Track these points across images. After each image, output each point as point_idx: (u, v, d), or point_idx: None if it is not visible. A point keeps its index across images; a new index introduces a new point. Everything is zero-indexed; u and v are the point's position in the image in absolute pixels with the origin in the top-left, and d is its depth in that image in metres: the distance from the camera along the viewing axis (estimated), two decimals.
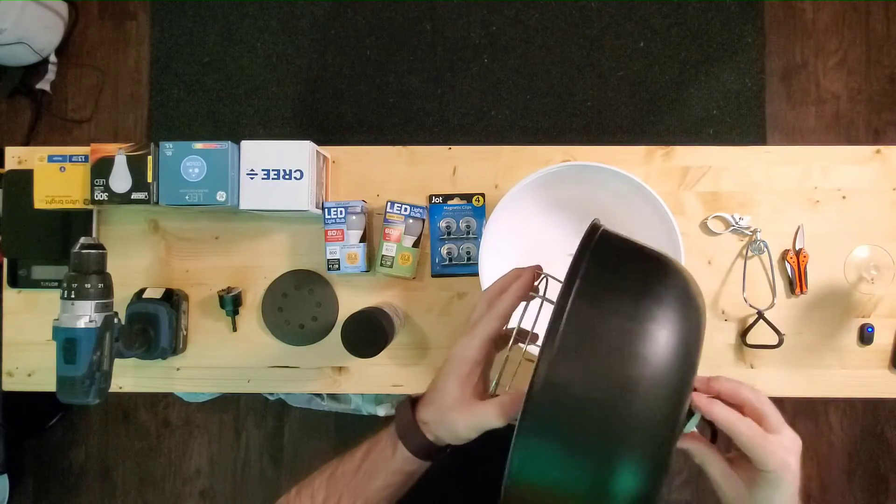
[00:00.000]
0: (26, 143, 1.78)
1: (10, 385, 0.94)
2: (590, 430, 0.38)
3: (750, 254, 0.91)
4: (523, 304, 0.56)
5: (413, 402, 0.57)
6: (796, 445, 0.49)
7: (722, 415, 0.48)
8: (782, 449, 0.48)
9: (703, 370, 0.89)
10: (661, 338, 0.40)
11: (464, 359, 0.53)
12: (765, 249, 0.91)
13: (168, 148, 0.84)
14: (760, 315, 0.89)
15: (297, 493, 0.63)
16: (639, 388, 0.39)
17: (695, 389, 0.48)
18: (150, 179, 0.84)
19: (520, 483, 0.40)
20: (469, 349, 0.52)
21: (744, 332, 0.90)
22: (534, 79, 1.75)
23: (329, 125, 1.77)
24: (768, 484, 0.49)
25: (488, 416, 0.50)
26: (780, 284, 0.91)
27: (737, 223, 0.90)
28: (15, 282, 0.93)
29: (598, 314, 0.41)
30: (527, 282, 0.54)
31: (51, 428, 1.75)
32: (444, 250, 0.92)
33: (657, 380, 0.39)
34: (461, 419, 0.52)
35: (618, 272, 0.44)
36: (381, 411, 1.21)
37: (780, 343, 0.88)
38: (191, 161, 0.84)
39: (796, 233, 0.91)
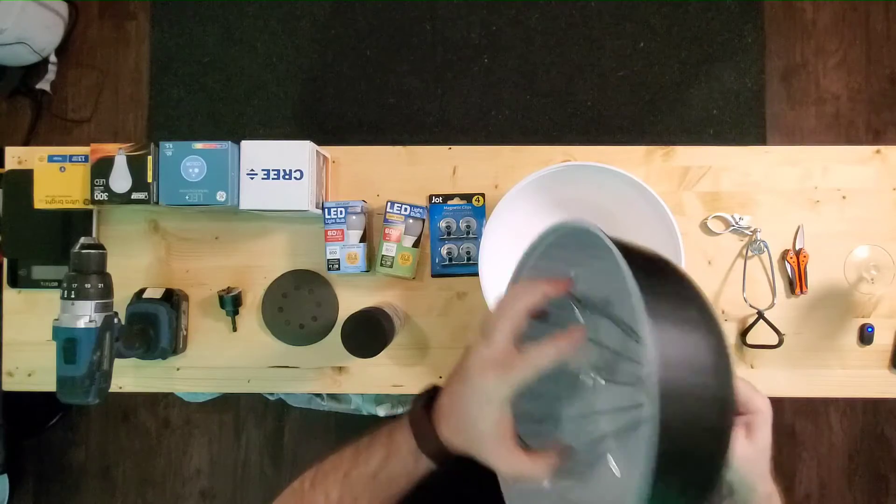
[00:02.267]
0: (26, 143, 1.78)
1: (10, 385, 0.94)
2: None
3: (750, 254, 0.91)
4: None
5: (426, 407, 0.54)
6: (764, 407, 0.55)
7: None
8: (758, 393, 0.55)
9: None
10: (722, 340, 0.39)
11: (499, 400, 0.48)
12: (765, 249, 0.91)
13: (168, 148, 0.84)
14: (760, 315, 0.89)
15: (312, 488, 0.60)
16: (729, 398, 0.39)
17: None
18: (150, 179, 0.84)
19: None
20: (502, 391, 0.48)
21: (744, 332, 0.90)
22: (534, 79, 1.75)
23: (329, 125, 1.77)
24: (761, 423, 0.54)
25: (536, 473, 0.48)
26: (780, 284, 0.91)
27: (737, 223, 0.90)
28: (15, 282, 0.93)
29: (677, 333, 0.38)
30: (574, 342, 0.49)
31: (51, 428, 1.75)
32: (444, 250, 0.92)
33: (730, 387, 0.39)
34: (503, 464, 0.49)
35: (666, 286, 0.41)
36: (381, 411, 1.21)
37: (780, 343, 0.88)
38: (191, 161, 0.84)
39: (796, 233, 0.91)
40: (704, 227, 0.92)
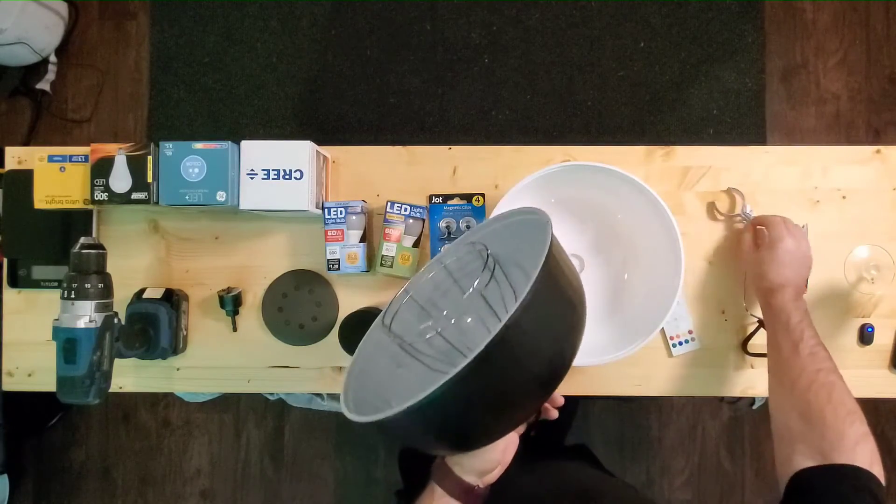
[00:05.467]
0: (26, 143, 1.78)
1: (10, 385, 0.94)
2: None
3: (740, 219, 0.91)
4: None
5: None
6: (800, 233, 0.83)
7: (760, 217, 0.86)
8: (788, 230, 0.81)
9: (704, 369, 0.89)
10: None
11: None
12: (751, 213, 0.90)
13: (168, 148, 0.84)
14: (761, 323, 0.89)
15: None
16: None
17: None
18: (150, 179, 0.84)
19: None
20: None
21: (745, 341, 0.90)
22: (534, 79, 1.75)
23: (329, 125, 1.77)
24: (771, 241, 0.80)
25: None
26: None
27: (743, 211, 0.90)
28: (15, 282, 0.93)
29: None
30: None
31: (51, 428, 1.75)
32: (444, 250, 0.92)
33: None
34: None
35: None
36: None
37: None
38: (191, 161, 0.83)
39: None
40: (712, 209, 0.92)
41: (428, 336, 0.73)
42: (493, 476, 0.65)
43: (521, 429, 0.69)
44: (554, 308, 0.53)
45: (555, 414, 0.70)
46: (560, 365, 0.55)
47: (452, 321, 0.76)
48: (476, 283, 0.71)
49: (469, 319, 0.75)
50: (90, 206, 0.88)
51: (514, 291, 0.71)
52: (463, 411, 0.51)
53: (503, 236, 0.73)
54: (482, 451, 0.62)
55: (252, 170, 0.84)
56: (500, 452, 0.63)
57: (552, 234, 0.56)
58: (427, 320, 0.76)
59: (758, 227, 0.84)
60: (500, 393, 0.51)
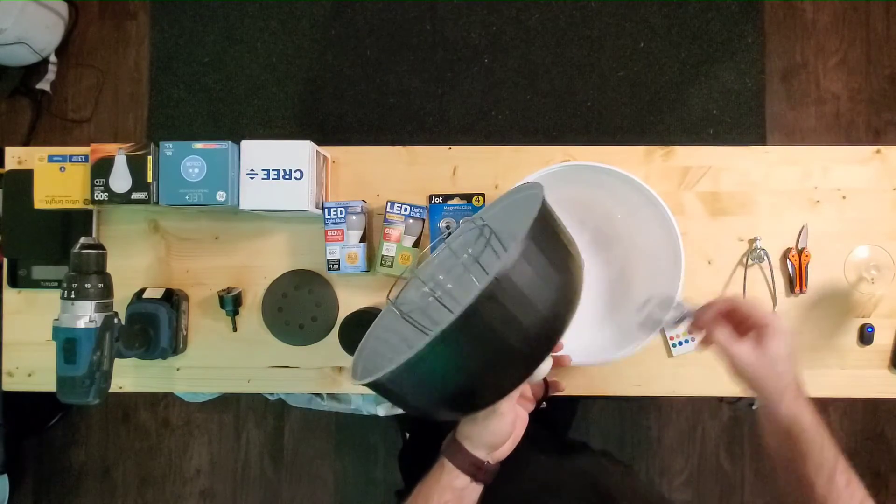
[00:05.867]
0: (26, 143, 1.78)
1: (10, 385, 0.94)
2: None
3: (750, 262, 0.91)
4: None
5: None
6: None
7: (719, 302, 0.67)
8: (767, 310, 0.64)
9: (704, 369, 0.89)
10: None
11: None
12: (765, 258, 0.90)
13: (168, 148, 0.84)
14: None
15: None
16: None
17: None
18: (150, 179, 0.84)
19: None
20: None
21: None
22: (534, 79, 1.75)
23: (329, 125, 1.77)
24: (774, 332, 0.63)
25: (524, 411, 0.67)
26: (780, 286, 0.91)
27: (684, 312, 0.73)
28: (15, 282, 0.93)
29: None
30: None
31: (51, 428, 1.75)
32: None
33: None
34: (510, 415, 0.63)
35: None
36: (381, 411, 1.21)
37: None
38: (191, 161, 0.83)
39: (800, 232, 0.91)
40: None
41: (429, 299, 0.75)
42: (504, 452, 0.65)
43: (531, 406, 0.68)
44: (545, 263, 0.54)
45: (563, 386, 0.69)
46: (554, 323, 0.55)
47: (450, 286, 0.78)
48: (470, 250, 0.73)
49: (441, 277, 0.78)
50: (90, 206, 0.88)
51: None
52: (458, 366, 0.52)
53: (504, 214, 0.75)
54: (490, 422, 0.61)
55: (252, 170, 0.84)
56: (510, 425, 0.62)
57: (543, 196, 0.58)
58: (428, 294, 0.78)
59: (732, 310, 0.67)
60: (494, 348, 0.52)
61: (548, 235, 0.56)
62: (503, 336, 0.52)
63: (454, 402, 0.57)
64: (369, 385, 0.55)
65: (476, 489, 0.63)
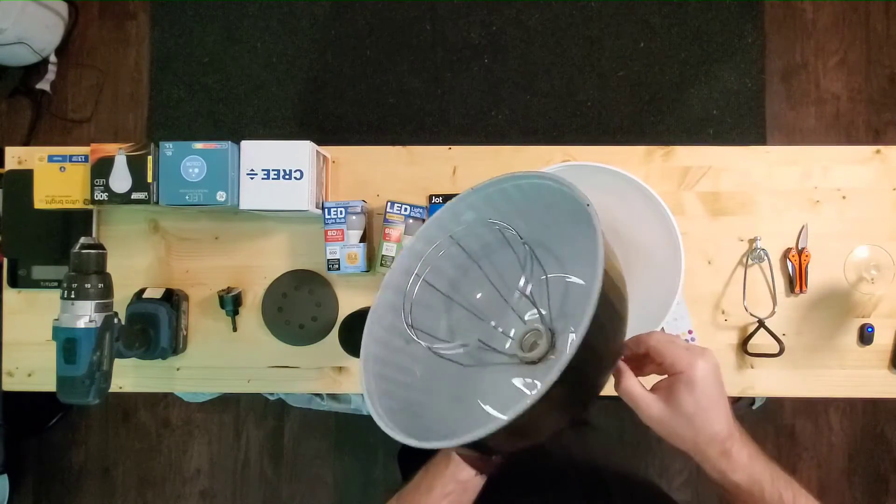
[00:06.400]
0: (26, 143, 1.78)
1: (10, 385, 0.94)
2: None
3: (750, 262, 0.91)
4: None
5: None
6: (708, 354, 0.53)
7: (638, 338, 0.56)
8: (689, 352, 0.52)
9: None
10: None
11: None
12: (765, 258, 0.91)
13: (168, 148, 0.84)
14: (761, 324, 0.89)
15: None
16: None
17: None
18: (150, 179, 0.84)
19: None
20: None
21: (745, 340, 0.90)
22: (534, 79, 1.75)
23: (329, 125, 1.77)
24: (688, 382, 0.51)
25: None
26: (781, 286, 0.91)
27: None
28: (15, 282, 0.93)
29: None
30: None
31: (51, 428, 1.75)
32: None
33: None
34: None
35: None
36: None
37: (781, 352, 0.88)
38: (191, 161, 0.83)
39: (800, 231, 0.91)
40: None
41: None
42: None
43: None
44: (612, 309, 0.50)
45: None
46: (615, 359, 0.54)
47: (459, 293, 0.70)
48: (521, 284, 0.66)
49: (479, 295, 0.70)
50: (90, 206, 0.88)
51: (542, 268, 0.65)
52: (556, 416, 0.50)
53: (515, 202, 0.64)
54: None
55: (252, 170, 0.84)
56: None
57: (601, 232, 0.51)
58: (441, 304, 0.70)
59: (642, 355, 0.57)
60: (587, 387, 0.50)
61: (611, 257, 0.52)
62: (584, 383, 0.50)
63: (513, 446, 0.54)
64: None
65: (480, 481, 0.63)
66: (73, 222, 0.92)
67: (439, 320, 0.69)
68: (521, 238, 0.64)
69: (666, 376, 0.54)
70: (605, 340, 0.49)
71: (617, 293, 0.50)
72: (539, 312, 0.65)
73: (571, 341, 0.46)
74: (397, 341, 0.66)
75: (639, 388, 0.54)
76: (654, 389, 0.55)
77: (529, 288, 0.65)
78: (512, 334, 0.67)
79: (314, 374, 0.93)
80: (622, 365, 0.55)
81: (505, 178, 0.62)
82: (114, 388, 0.80)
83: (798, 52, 1.76)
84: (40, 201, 0.88)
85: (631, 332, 0.69)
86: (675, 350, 0.53)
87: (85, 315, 0.71)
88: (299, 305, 0.92)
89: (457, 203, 0.65)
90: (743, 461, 0.53)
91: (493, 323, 0.68)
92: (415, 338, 0.64)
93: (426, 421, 0.61)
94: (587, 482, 0.75)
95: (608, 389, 0.54)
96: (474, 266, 0.68)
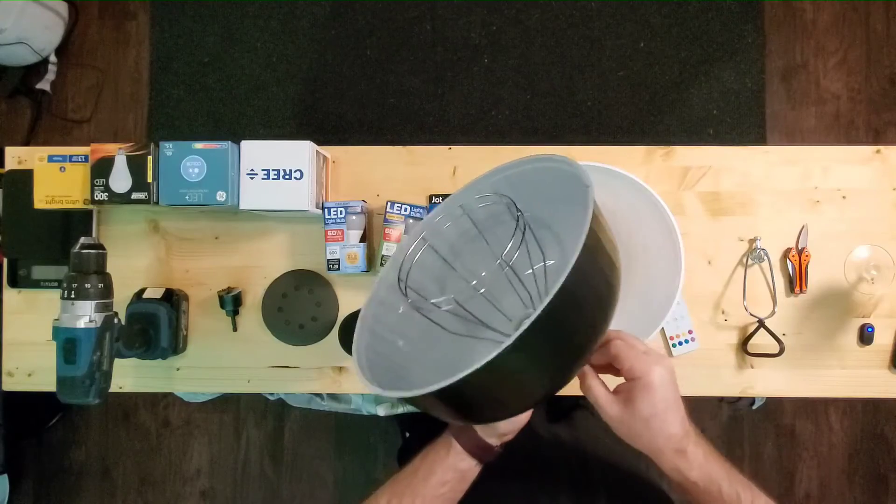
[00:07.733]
0: (26, 143, 1.78)
1: (10, 385, 0.94)
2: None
3: (750, 262, 0.91)
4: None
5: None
6: (665, 360, 0.56)
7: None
8: (647, 358, 0.55)
9: (705, 369, 0.89)
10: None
11: None
12: (765, 258, 0.91)
13: (168, 148, 0.84)
14: (761, 324, 0.89)
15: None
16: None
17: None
18: (150, 179, 0.84)
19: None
20: None
21: (745, 340, 0.90)
22: (534, 79, 1.75)
23: (329, 125, 1.77)
24: (644, 388, 0.54)
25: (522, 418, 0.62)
26: (781, 286, 0.91)
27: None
28: (15, 282, 0.93)
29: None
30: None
31: (51, 428, 1.75)
32: None
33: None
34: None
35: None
36: (381, 411, 1.21)
37: (781, 352, 0.88)
38: (191, 161, 0.83)
39: (800, 231, 0.91)
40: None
41: (446, 305, 0.68)
42: (510, 436, 0.65)
43: None
44: (596, 275, 0.51)
45: None
46: (597, 332, 0.53)
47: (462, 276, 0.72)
48: (508, 248, 0.67)
49: (483, 273, 0.72)
50: (90, 206, 0.88)
51: (542, 253, 0.68)
52: (534, 371, 0.50)
53: (531, 182, 0.67)
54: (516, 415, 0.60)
55: (252, 170, 0.84)
56: (528, 415, 0.63)
57: (594, 200, 0.53)
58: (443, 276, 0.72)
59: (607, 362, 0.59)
60: (568, 345, 0.50)
61: (601, 227, 0.53)
62: (560, 346, 0.49)
63: (491, 414, 0.55)
64: (411, 399, 0.51)
65: (477, 469, 0.64)
66: (73, 222, 0.92)
67: (440, 289, 0.71)
68: (519, 211, 0.66)
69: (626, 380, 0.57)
70: (588, 297, 0.50)
71: (606, 258, 0.52)
72: (527, 292, 0.68)
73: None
74: (397, 304, 0.68)
75: (601, 390, 0.57)
76: (615, 392, 0.58)
77: (511, 252, 0.68)
78: (512, 317, 0.69)
79: (314, 374, 0.93)
80: (587, 367, 0.58)
81: (522, 161, 0.66)
82: (114, 388, 0.80)
83: (798, 52, 1.76)
84: (40, 201, 0.88)
85: (631, 332, 0.69)
86: (635, 356, 0.55)
87: (85, 315, 0.71)
88: (299, 305, 0.92)
89: (481, 180, 0.69)
90: (699, 460, 0.56)
91: (482, 290, 0.69)
92: (402, 291, 0.66)
93: (408, 384, 0.62)
94: (574, 467, 0.76)
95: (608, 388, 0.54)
96: (480, 239, 0.72)
